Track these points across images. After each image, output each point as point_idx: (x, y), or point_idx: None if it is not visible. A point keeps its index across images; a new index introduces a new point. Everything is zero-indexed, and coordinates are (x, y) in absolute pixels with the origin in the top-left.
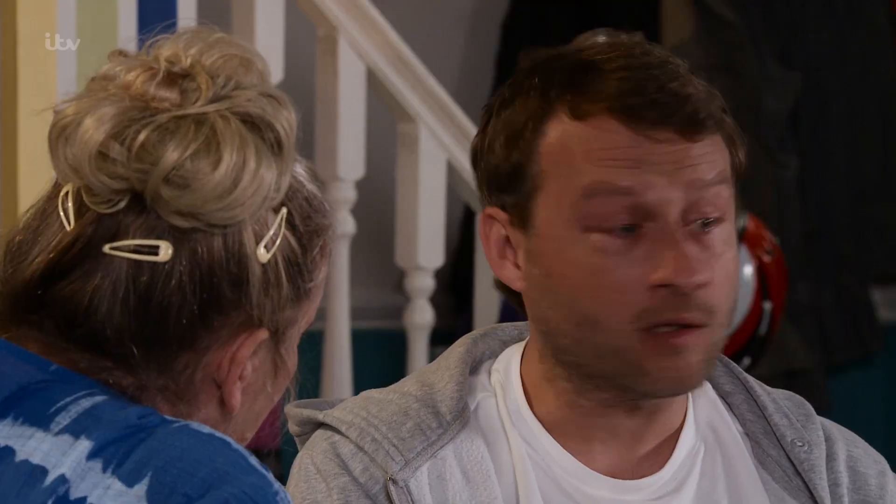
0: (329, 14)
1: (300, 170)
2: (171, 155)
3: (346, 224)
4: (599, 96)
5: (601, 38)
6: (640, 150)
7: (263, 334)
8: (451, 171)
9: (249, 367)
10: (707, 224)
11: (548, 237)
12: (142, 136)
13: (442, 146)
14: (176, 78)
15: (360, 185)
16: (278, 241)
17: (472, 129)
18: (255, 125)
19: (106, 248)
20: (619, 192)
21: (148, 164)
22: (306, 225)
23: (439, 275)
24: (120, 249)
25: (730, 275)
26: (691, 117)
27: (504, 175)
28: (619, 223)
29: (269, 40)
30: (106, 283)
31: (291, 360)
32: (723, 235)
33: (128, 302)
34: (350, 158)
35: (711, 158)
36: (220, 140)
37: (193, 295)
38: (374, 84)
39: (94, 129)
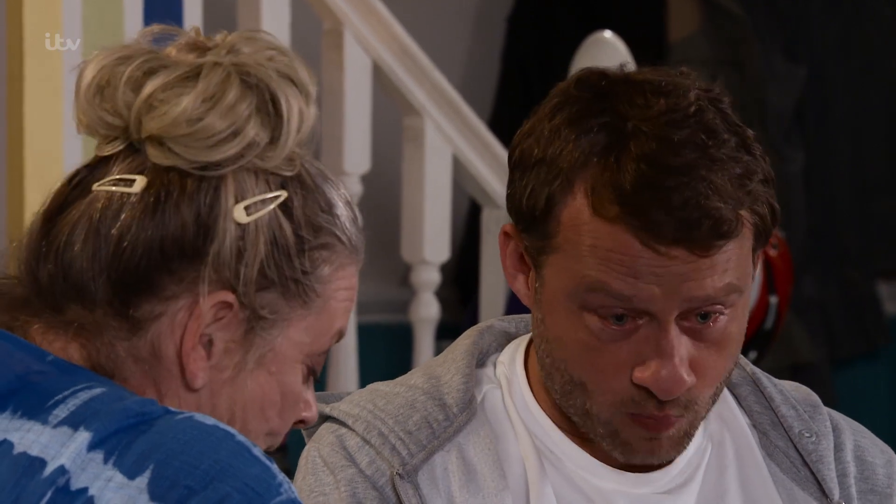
0: (335, 8)
1: (334, 190)
2: (154, 82)
3: None
4: (617, 194)
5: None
6: (644, 261)
7: (229, 297)
8: (457, 165)
9: (220, 343)
10: (706, 318)
11: (552, 296)
12: (129, 70)
13: (448, 140)
14: (199, 46)
15: (366, 179)
16: (264, 213)
17: (478, 123)
18: (253, 85)
19: (94, 186)
20: (616, 297)
21: (133, 95)
22: (308, 221)
23: (445, 268)
24: (103, 185)
25: (722, 363)
26: (708, 237)
27: (527, 212)
28: (613, 314)
29: (274, 34)
30: (83, 217)
31: (289, 376)
32: (724, 326)
33: (98, 234)
34: (356, 152)
35: (724, 268)
36: (204, 75)
37: (156, 230)
38: (380, 78)
39: (95, 64)
